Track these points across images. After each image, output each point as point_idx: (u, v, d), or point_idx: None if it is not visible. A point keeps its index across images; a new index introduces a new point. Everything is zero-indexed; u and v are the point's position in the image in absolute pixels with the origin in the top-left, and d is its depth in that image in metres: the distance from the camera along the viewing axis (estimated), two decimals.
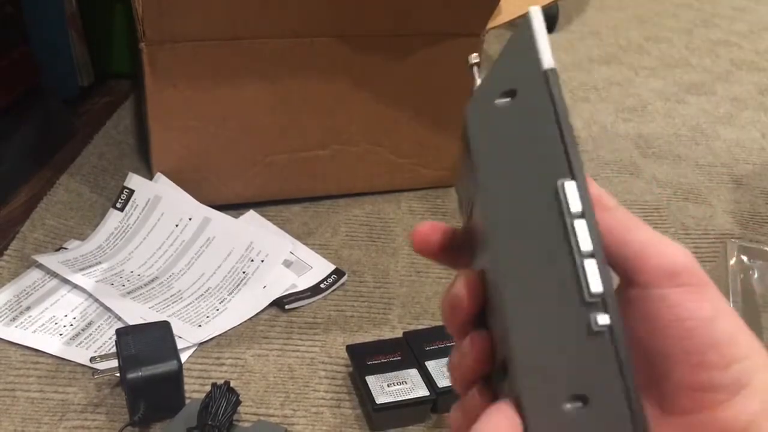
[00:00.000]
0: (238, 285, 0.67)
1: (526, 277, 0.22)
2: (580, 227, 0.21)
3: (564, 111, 0.22)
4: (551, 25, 1.40)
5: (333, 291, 0.68)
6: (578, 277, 0.21)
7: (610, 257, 0.24)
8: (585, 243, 0.21)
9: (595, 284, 0.21)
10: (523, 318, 0.22)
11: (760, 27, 1.54)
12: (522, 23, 0.24)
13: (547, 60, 0.23)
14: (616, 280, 0.27)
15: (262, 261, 0.69)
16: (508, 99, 0.24)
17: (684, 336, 0.23)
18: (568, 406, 0.21)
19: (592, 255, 0.21)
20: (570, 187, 0.22)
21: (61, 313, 0.62)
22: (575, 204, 0.21)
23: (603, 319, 0.20)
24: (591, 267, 0.21)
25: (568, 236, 0.21)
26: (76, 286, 0.65)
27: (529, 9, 0.24)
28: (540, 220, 0.22)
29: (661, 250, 0.24)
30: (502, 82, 0.24)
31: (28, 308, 0.63)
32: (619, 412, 0.20)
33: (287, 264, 0.70)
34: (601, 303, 0.21)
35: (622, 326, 0.21)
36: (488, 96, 0.25)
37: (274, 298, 0.66)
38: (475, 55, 0.26)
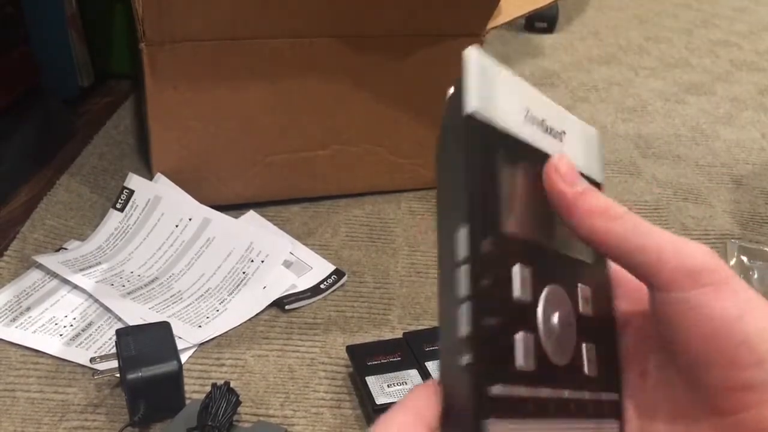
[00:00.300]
0: (238, 285, 0.67)
1: (442, 311, 0.24)
2: (461, 274, 0.23)
3: (471, 161, 0.23)
4: (551, 25, 1.40)
5: (333, 291, 0.68)
6: (455, 323, 0.23)
7: (629, 266, 0.25)
8: (461, 288, 0.23)
9: (462, 329, 0.22)
10: (442, 359, 0.24)
11: (760, 27, 1.54)
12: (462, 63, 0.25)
13: (466, 107, 0.24)
14: (636, 291, 0.27)
15: (262, 261, 0.69)
16: (446, 152, 0.25)
17: (712, 336, 0.23)
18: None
19: (465, 299, 0.23)
20: (462, 237, 0.23)
21: (61, 313, 0.62)
22: (461, 252, 0.23)
23: (465, 359, 0.22)
24: (463, 313, 0.22)
25: (453, 282, 0.23)
26: (76, 287, 0.65)
27: (463, 53, 0.24)
28: (447, 262, 0.24)
29: (679, 251, 0.24)
30: (445, 133, 0.25)
31: (28, 309, 0.63)
32: None
33: (287, 264, 0.70)
34: (467, 344, 0.22)
35: (476, 368, 0.22)
36: (441, 144, 0.26)
37: (274, 298, 0.66)
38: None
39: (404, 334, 0.60)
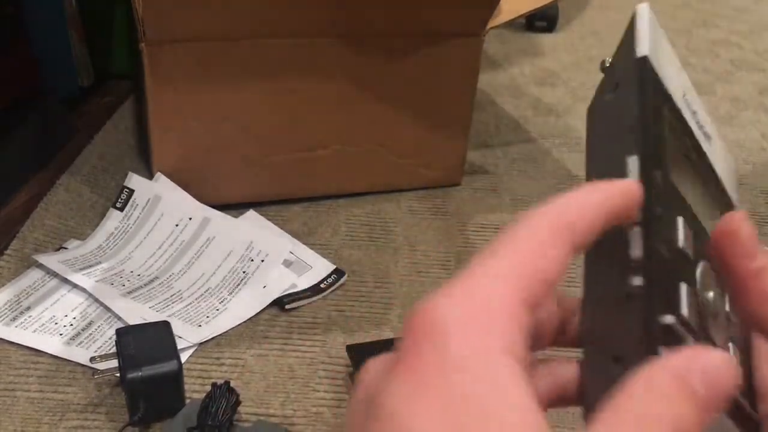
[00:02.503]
0: (238, 285, 0.67)
1: (598, 256, 0.22)
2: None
3: (647, 97, 0.22)
4: (551, 24, 1.40)
5: (333, 291, 0.68)
6: (627, 244, 0.21)
7: None
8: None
9: (636, 250, 0.21)
10: (591, 290, 0.23)
11: (760, 27, 1.54)
12: (630, 18, 0.24)
13: (640, 50, 0.23)
14: None
15: (262, 261, 0.69)
16: (612, 93, 0.24)
17: None
18: (612, 366, 0.21)
19: (637, 223, 0.21)
20: (632, 163, 0.22)
21: (61, 313, 0.63)
22: (633, 176, 0.21)
23: (637, 281, 0.20)
24: (635, 235, 0.21)
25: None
26: (76, 286, 0.65)
27: (636, 7, 0.24)
28: None
29: None
30: (610, 78, 0.25)
31: (28, 308, 0.63)
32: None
33: (287, 264, 0.70)
34: (639, 267, 0.20)
35: (653, 291, 0.20)
36: (601, 94, 0.25)
37: (274, 298, 0.66)
38: (607, 58, 0.27)
39: None
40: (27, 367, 0.58)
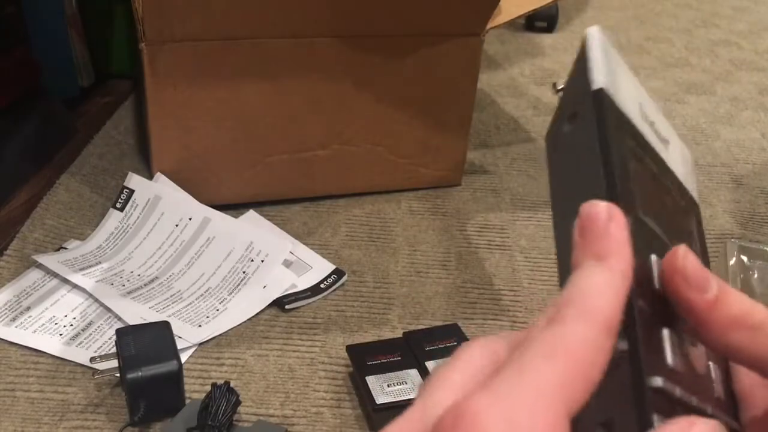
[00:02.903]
0: (238, 285, 0.67)
1: None
2: None
3: (608, 134, 0.22)
4: (551, 24, 1.40)
5: (333, 291, 0.68)
6: None
7: None
8: None
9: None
10: None
11: (760, 27, 1.54)
12: (581, 43, 0.23)
13: (596, 81, 0.22)
14: None
15: (262, 261, 0.69)
16: (571, 125, 0.23)
17: None
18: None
19: None
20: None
21: (61, 313, 0.63)
22: None
23: (621, 346, 0.20)
24: None
25: None
26: (76, 286, 0.65)
27: (586, 31, 0.23)
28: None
29: None
30: (566, 106, 0.24)
31: (28, 308, 0.63)
32: None
33: (287, 264, 0.70)
34: (622, 331, 0.20)
35: (640, 355, 0.20)
36: (559, 122, 0.24)
37: (274, 298, 0.66)
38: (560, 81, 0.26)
39: (404, 333, 0.60)
40: (27, 367, 0.58)
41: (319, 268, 0.70)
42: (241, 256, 0.70)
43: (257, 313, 0.64)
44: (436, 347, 0.58)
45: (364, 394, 0.54)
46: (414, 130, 0.81)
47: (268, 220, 0.77)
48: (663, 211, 0.25)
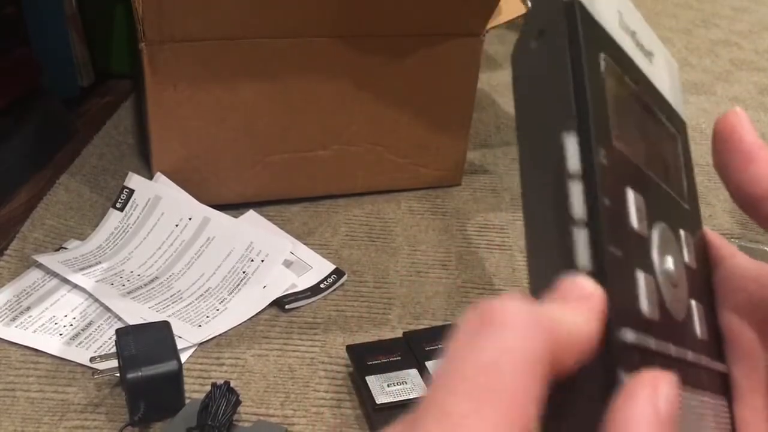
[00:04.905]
0: (238, 285, 0.67)
1: (537, 239, 0.20)
2: (575, 190, 0.19)
3: (581, 52, 0.20)
4: None
5: (333, 291, 0.68)
6: (570, 251, 0.19)
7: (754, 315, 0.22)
8: (576, 210, 0.19)
9: (583, 259, 0.19)
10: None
11: (760, 27, 1.54)
12: None
13: None
14: None
15: (262, 261, 0.69)
16: (536, 42, 0.21)
17: None
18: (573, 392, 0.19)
19: (583, 223, 0.19)
20: (571, 144, 0.19)
21: (61, 313, 0.63)
22: (573, 163, 0.19)
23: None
24: (581, 239, 0.19)
25: (561, 205, 0.19)
26: (76, 286, 0.65)
27: None
28: (546, 179, 0.20)
29: None
30: (532, 23, 0.21)
31: (28, 308, 0.63)
32: None
33: (287, 264, 0.70)
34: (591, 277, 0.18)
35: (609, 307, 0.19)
36: (525, 39, 0.22)
37: (274, 298, 0.66)
38: None
39: (404, 333, 0.60)
40: (27, 367, 0.58)
41: (319, 268, 0.70)
42: (241, 256, 0.70)
43: (257, 313, 0.64)
44: (436, 347, 0.58)
45: (364, 394, 0.54)
46: (414, 130, 0.81)
47: (268, 220, 0.77)
48: (642, 136, 0.23)
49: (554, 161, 0.20)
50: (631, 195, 0.20)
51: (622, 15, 0.22)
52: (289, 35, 0.71)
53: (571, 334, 0.17)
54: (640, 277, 0.20)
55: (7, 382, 0.56)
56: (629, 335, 0.18)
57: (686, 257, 0.23)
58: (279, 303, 0.66)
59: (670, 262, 0.21)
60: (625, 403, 0.17)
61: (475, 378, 0.15)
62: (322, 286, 0.68)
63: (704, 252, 0.25)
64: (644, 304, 0.19)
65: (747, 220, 0.84)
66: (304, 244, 0.73)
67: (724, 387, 0.23)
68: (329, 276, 0.69)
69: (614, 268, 0.19)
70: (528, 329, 0.16)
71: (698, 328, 0.22)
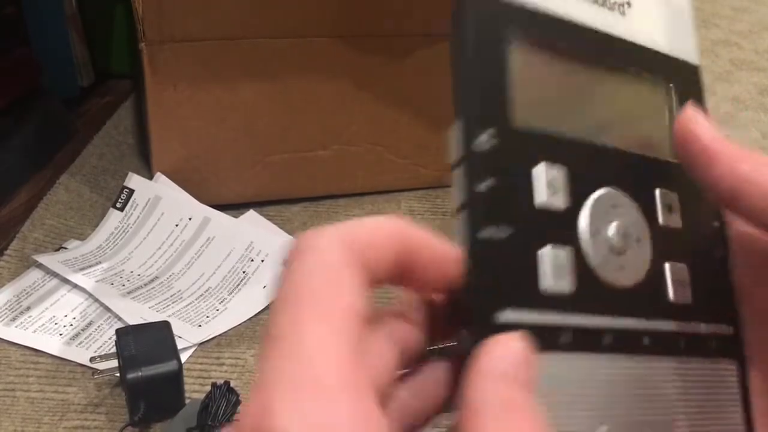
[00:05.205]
0: (238, 285, 0.67)
1: None
2: (455, 179, 0.20)
3: (465, 33, 0.20)
4: None
5: None
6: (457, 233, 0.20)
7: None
8: (457, 196, 0.20)
9: (462, 244, 0.20)
10: None
11: (760, 27, 1.54)
12: None
13: None
14: None
15: (262, 261, 0.69)
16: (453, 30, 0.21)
17: None
18: None
19: (460, 208, 0.20)
20: (454, 132, 0.20)
21: (61, 313, 0.62)
22: (454, 153, 0.20)
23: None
24: (458, 222, 0.20)
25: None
26: (76, 286, 0.65)
27: None
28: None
29: None
30: (454, 15, 0.22)
31: (28, 308, 0.63)
32: None
33: None
34: (465, 264, 0.20)
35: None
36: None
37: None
38: None
39: None
40: (27, 367, 0.58)
41: None
42: (241, 256, 0.70)
43: (257, 313, 0.64)
44: (434, 347, 0.58)
45: None
46: (414, 130, 0.81)
47: (268, 220, 0.77)
48: (585, 100, 0.22)
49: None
50: (540, 169, 0.20)
51: None
52: (289, 35, 0.71)
53: (374, 236, 0.20)
54: (544, 252, 0.20)
55: (7, 382, 0.56)
56: (507, 315, 0.19)
57: (662, 218, 0.22)
58: None
59: (612, 230, 0.21)
60: (470, 373, 0.18)
61: (294, 296, 0.18)
62: None
63: (704, 207, 0.24)
64: (547, 279, 0.20)
65: None
66: None
67: (729, 349, 0.22)
68: None
69: (490, 250, 0.19)
70: (328, 244, 0.18)
71: (672, 291, 0.22)
